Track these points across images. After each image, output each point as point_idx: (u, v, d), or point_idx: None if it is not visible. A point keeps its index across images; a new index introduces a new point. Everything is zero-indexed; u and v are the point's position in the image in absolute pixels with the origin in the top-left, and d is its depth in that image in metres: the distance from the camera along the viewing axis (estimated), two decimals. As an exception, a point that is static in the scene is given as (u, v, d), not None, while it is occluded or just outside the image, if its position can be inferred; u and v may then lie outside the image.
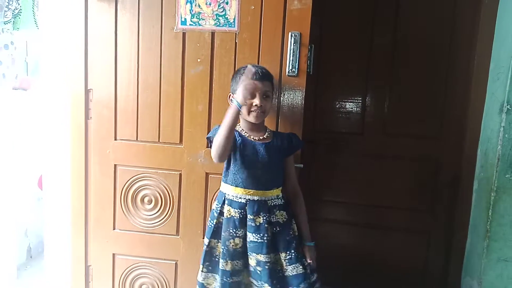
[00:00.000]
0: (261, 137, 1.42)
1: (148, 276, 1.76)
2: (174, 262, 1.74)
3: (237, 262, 1.39)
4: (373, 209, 2.18)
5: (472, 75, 1.97)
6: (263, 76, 1.36)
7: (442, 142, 2.06)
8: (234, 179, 1.39)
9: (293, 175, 1.50)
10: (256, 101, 1.35)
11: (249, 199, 1.37)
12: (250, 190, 1.37)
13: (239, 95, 1.30)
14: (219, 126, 1.41)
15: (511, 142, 1.75)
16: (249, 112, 1.37)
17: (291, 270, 1.38)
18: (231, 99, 1.43)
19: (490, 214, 1.81)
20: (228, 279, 1.38)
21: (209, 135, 1.45)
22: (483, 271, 1.84)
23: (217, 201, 1.46)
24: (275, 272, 1.38)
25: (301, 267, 1.39)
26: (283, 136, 1.48)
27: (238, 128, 1.44)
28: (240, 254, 1.39)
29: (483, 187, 1.89)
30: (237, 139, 1.39)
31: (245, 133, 1.42)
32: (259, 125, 1.43)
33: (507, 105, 1.75)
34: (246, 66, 1.37)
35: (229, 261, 1.38)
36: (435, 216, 2.09)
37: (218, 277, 1.42)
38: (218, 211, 1.42)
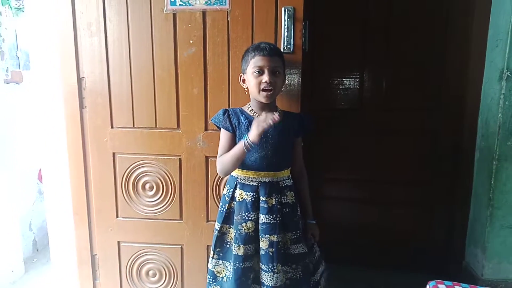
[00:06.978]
0: None
1: (155, 261, 1.77)
2: (180, 247, 1.74)
3: (249, 247, 1.36)
4: (375, 184, 2.18)
5: (470, 43, 1.94)
6: (271, 51, 1.30)
7: (441, 113, 2.04)
8: (244, 163, 1.36)
9: (300, 155, 1.48)
10: (265, 77, 1.29)
11: (260, 181, 1.36)
12: (261, 172, 1.35)
13: (252, 133, 1.23)
14: (224, 110, 1.39)
15: (512, 109, 1.74)
16: (259, 90, 1.31)
17: (294, 249, 1.38)
18: (242, 80, 1.39)
19: (492, 182, 1.81)
20: (241, 264, 1.35)
21: (213, 120, 1.42)
22: (487, 239, 1.85)
23: (228, 185, 1.43)
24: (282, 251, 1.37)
25: (304, 246, 1.40)
26: (294, 116, 1.44)
27: (247, 108, 1.40)
28: (252, 238, 1.36)
29: (484, 156, 1.88)
30: (244, 123, 1.35)
31: (254, 113, 1.38)
32: (269, 105, 1.38)
33: (507, 71, 1.73)
34: (255, 44, 1.34)
35: (241, 246, 1.35)
36: (438, 188, 2.09)
37: (229, 264, 1.41)
38: (230, 196, 1.40)
